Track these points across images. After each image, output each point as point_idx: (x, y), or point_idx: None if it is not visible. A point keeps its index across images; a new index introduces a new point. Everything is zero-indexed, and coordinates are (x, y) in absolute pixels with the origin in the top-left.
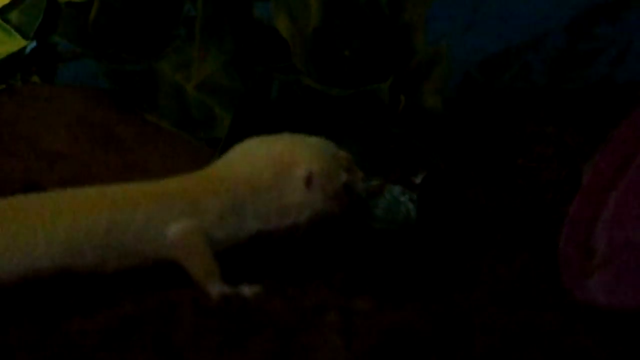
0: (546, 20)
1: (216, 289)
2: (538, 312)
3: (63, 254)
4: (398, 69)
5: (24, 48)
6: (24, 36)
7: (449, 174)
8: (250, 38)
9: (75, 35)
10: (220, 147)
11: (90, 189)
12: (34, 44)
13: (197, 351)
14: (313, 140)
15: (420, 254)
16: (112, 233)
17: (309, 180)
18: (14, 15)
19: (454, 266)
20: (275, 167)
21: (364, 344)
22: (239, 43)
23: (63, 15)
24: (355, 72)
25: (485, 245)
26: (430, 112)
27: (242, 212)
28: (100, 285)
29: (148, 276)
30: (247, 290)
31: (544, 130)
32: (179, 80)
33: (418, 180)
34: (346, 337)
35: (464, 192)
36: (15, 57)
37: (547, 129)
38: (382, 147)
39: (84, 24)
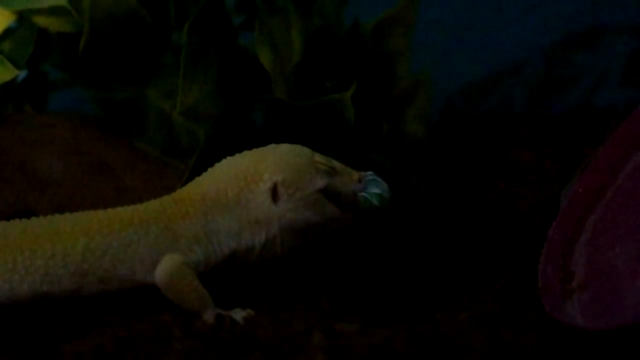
0: (526, 47)
1: (211, 315)
2: (518, 333)
3: (41, 281)
4: (381, 97)
5: (16, 77)
6: (16, 65)
7: (430, 198)
8: (235, 67)
9: (66, 64)
10: (191, 166)
11: (68, 215)
12: (25, 73)
13: None
14: (283, 149)
15: (404, 276)
16: (88, 259)
17: (274, 192)
18: (6, 45)
19: (437, 288)
20: (240, 183)
21: None
22: (224, 72)
23: (53, 44)
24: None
25: (468, 268)
26: (413, 138)
27: (215, 232)
28: (91, 308)
29: (139, 299)
30: (239, 314)
31: (524, 155)
32: (165, 108)
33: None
34: (331, 357)
35: (446, 215)
36: (8, 86)
37: (528, 154)
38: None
39: (74, 53)
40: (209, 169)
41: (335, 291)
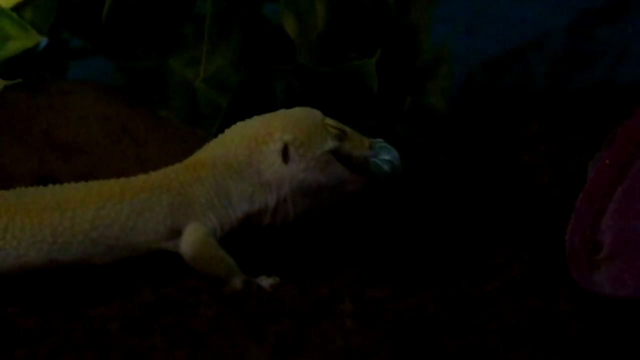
0: (548, 22)
1: (237, 283)
2: (548, 301)
3: (49, 249)
4: (403, 69)
5: (38, 44)
6: (39, 32)
7: (453, 170)
8: (259, 36)
9: (88, 32)
10: (213, 133)
11: (78, 184)
12: (46, 41)
13: (217, 336)
14: (293, 111)
15: (429, 246)
16: (98, 227)
17: (284, 152)
18: (27, 13)
19: (465, 259)
20: (250, 145)
21: (378, 330)
22: (248, 40)
23: (76, 12)
24: None
25: (493, 238)
26: (434, 111)
27: (228, 196)
28: (116, 274)
29: (165, 264)
30: (265, 281)
31: (548, 128)
32: (188, 76)
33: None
34: (361, 324)
35: (469, 187)
36: (30, 54)
37: (551, 127)
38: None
39: (97, 21)
40: (220, 135)
41: (361, 259)
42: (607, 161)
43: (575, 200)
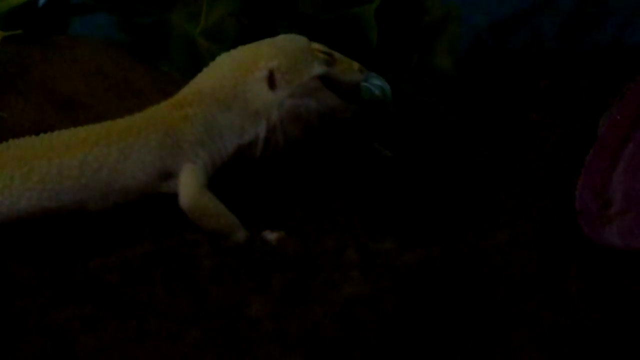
0: None
1: (241, 237)
2: (557, 254)
3: (39, 197)
4: (410, 27)
5: None
6: None
7: (461, 128)
8: None
9: None
10: None
11: (65, 131)
12: None
13: (219, 286)
14: (277, 38)
15: (440, 201)
16: (86, 173)
17: (270, 79)
18: None
19: (472, 213)
20: (236, 74)
21: (384, 280)
22: None
23: None
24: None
25: (502, 195)
26: (441, 71)
27: (218, 130)
28: (115, 225)
29: (165, 216)
30: (270, 236)
31: (556, 87)
32: (189, 30)
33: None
34: (366, 274)
35: (477, 144)
36: (30, 7)
37: (560, 86)
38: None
39: None
40: (204, 68)
41: (365, 211)
42: (617, 117)
43: (585, 156)
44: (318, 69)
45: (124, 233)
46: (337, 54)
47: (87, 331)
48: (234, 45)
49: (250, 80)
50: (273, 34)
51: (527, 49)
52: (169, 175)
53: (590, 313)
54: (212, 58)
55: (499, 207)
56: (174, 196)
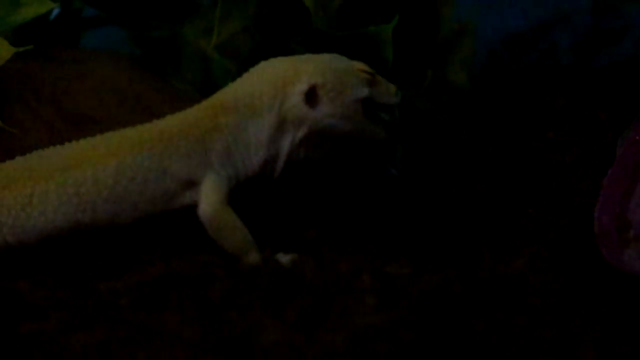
0: None
1: (255, 259)
2: (576, 279)
3: (74, 210)
4: (425, 42)
5: (50, 12)
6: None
7: (476, 146)
8: (275, 3)
9: (100, 1)
10: None
11: (96, 138)
12: (58, 9)
13: (233, 311)
14: (323, 55)
15: (456, 223)
16: (121, 181)
17: (311, 94)
18: None
19: (488, 236)
20: (277, 85)
21: (401, 307)
22: (263, 7)
23: None
24: None
25: (518, 216)
26: (455, 86)
27: (246, 143)
28: (127, 246)
29: (178, 238)
30: (283, 258)
31: (573, 105)
32: (202, 45)
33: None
34: (382, 301)
35: (492, 163)
36: (42, 21)
37: (577, 104)
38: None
39: None
40: (244, 74)
41: (381, 234)
42: (636, 137)
43: (603, 177)
44: (361, 91)
45: (136, 252)
46: (377, 75)
47: (97, 357)
48: (246, 61)
49: (289, 92)
50: (286, 49)
51: (543, 65)
52: (192, 184)
53: (613, 345)
54: (225, 73)
55: (515, 228)
56: (187, 214)
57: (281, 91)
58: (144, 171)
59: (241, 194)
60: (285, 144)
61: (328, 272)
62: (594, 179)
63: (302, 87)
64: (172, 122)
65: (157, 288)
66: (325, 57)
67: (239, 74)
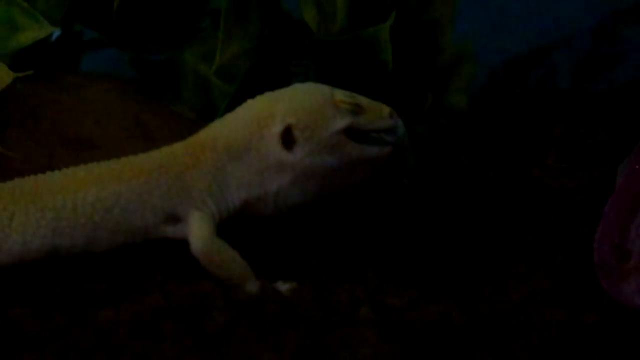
0: (573, 22)
1: (253, 288)
2: (576, 312)
3: (52, 234)
4: (424, 67)
5: (50, 36)
6: (51, 22)
7: (475, 172)
8: (276, 28)
9: (101, 24)
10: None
11: (79, 167)
12: (58, 32)
13: (231, 343)
14: (298, 89)
15: (450, 251)
16: (99, 211)
17: (287, 136)
18: (40, 3)
19: (487, 265)
20: (252, 126)
21: (399, 338)
22: (265, 30)
23: (88, 3)
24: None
25: (517, 245)
26: (455, 110)
27: (226, 182)
28: (127, 273)
29: (177, 265)
30: (282, 287)
31: (573, 130)
32: (202, 70)
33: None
34: (381, 333)
35: (491, 190)
36: (41, 45)
37: (577, 129)
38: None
39: (109, 13)
40: (226, 114)
41: (379, 263)
42: (636, 166)
43: (604, 206)
44: (340, 122)
45: (136, 278)
46: (365, 101)
47: None
48: (243, 82)
49: (265, 134)
50: (285, 70)
51: (543, 88)
52: (176, 219)
53: None
54: (224, 97)
55: (515, 257)
56: (185, 241)
57: (257, 133)
58: (123, 202)
59: (237, 222)
60: (272, 187)
61: (326, 303)
62: (594, 207)
63: (276, 129)
64: (154, 157)
65: (156, 318)
66: (301, 93)
67: (235, 96)
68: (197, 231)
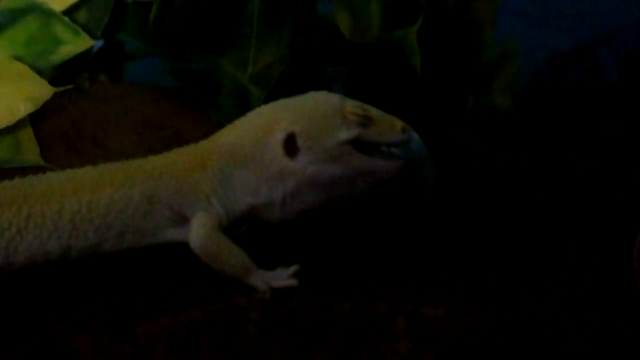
0: (617, 16)
1: (257, 280)
2: (614, 321)
3: (68, 234)
4: (466, 69)
5: (92, 47)
6: (92, 35)
7: (515, 176)
8: (311, 33)
9: (141, 34)
10: None
11: (90, 169)
12: (101, 42)
13: (267, 357)
14: (307, 98)
15: (490, 256)
16: (111, 212)
17: (289, 144)
18: (81, 15)
19: (525, 271)
20: (256, 134)
21: (434, 351)
22: (299, 37)
23: (129, 13)
24: (425, 72)
25: (557, 250)
26: (498, 110)
27: (231, 185)
28: (166, 287)
29: (214, 279)
30: (288, 271)
31: (617, 130)
32: (241, 78)
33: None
34: (416, 346)
35: (531, 194)
36: (83, 57)
37: (621, 129)
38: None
39: (147, 22)
40: (235, 121)
41: (418, 271)
42: None
43: None
44: (346, 133)
45: (176, 292)
46: (376, 113)
47: None
48: (277, 87)
49: (269, 141)
50: (321, 75)
51: (587, 85)
52: (181, 220)
53: None
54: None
55: (552, 264)
56: None
57: (262, 140)
58: (134, 204)
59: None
60: (277, 195)
61: (362, 314)
62: (636, 211)
63: (279, 136)
64: (163, 159)
65: (192, 333)
66: (310, 101)
67: (267, 102)
68: (197, 225)
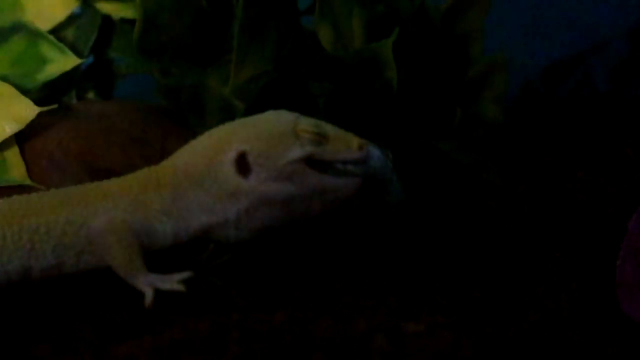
0: (609, 26)
1: (142, 280)
2: (594, 336)
3: (28, 256)
4: (453, 81)
5: (80, 65)
6: (79, 53)
7: (504, 187)
8: (296, 47)
9: (129, 51)
10: None
11: (56, 191)
12: (91, 60)
13: None
14: (260, 117)
15: (474, 270)
16: (68, 233)
17: (241, 163)
18: (69, 33)
19: (508, 284)
20: (209, 153)
21: None
22: (282, 51)
23: (117, 31)
24: (406, 85)
25: (541, 263)
26: (488, 122)
27: (186, 204)
28: (146, 309)
29: (195, 297)
30: (176, 276)
31: (605, 142)
32: (225, 94)
33: None
34: None
35: (519, 205)
36: (70, 75)
37: (609, 140)
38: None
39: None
40: (190, 141)
41: (400, 286)
42: None
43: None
44: (297, 152)
45: (156, 312)
46: (332, 131)
47: None
48: (259, 102)
49: (221, 161)
50: (302, 89)
51: (578, 94)
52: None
53: None
54: None
55: (535, 277)
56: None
57: (214, 160)
58: (87, 225)
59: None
60: (232, 213)
61: (342, 332)
62: (622, 222)
63: (231, 155)
64: (120, 181)
65: (174, 351)
66: (262, 121)
67: (247, 115)
68: (107, 213)
